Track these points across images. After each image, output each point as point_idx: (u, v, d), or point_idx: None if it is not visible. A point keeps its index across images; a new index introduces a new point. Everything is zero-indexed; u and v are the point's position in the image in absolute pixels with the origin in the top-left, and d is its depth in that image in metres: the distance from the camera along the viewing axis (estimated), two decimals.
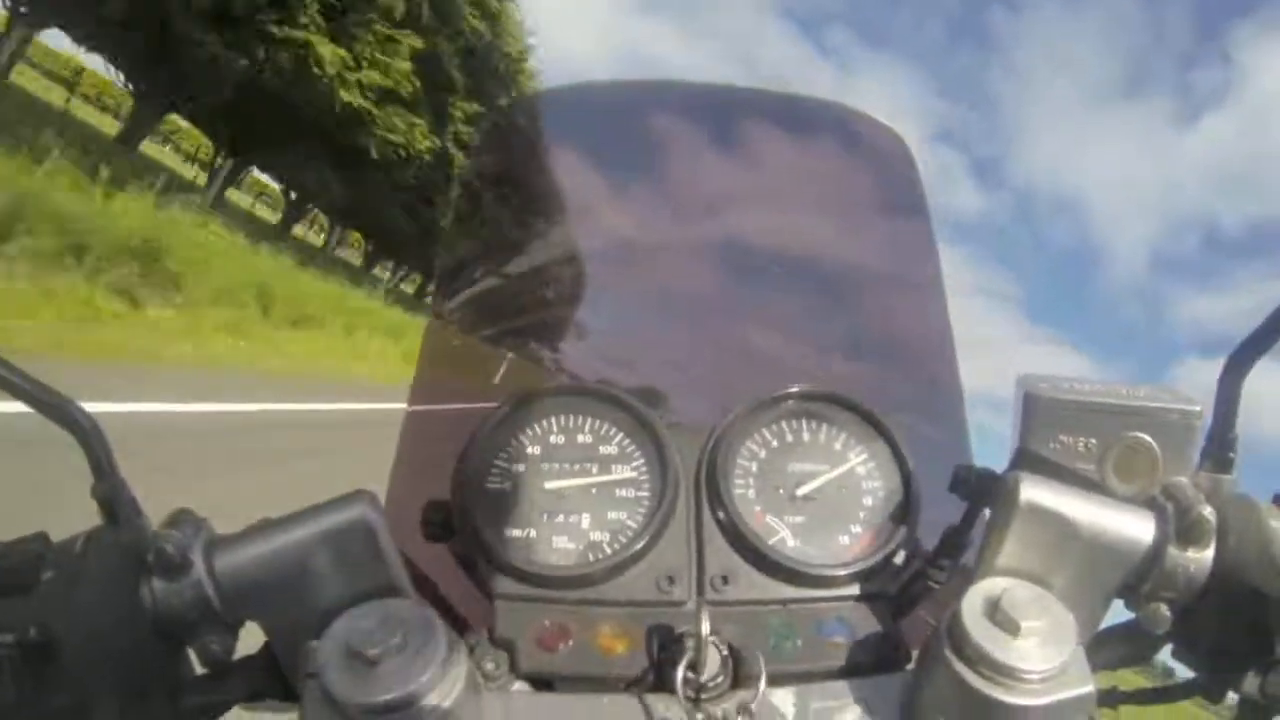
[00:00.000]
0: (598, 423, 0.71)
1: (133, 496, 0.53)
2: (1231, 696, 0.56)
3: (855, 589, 0.64)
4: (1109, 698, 0.60)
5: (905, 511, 0.67)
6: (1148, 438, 0.59)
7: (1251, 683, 0.54)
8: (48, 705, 0.46)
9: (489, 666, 0.59)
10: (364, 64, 15.57)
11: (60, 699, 0.46)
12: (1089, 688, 0.49)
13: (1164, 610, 0.53)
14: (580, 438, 0.70)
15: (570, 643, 0.61)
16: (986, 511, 0.62)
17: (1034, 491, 0.53)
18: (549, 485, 0.68)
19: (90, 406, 0.50)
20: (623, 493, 0.68)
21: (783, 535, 0.67)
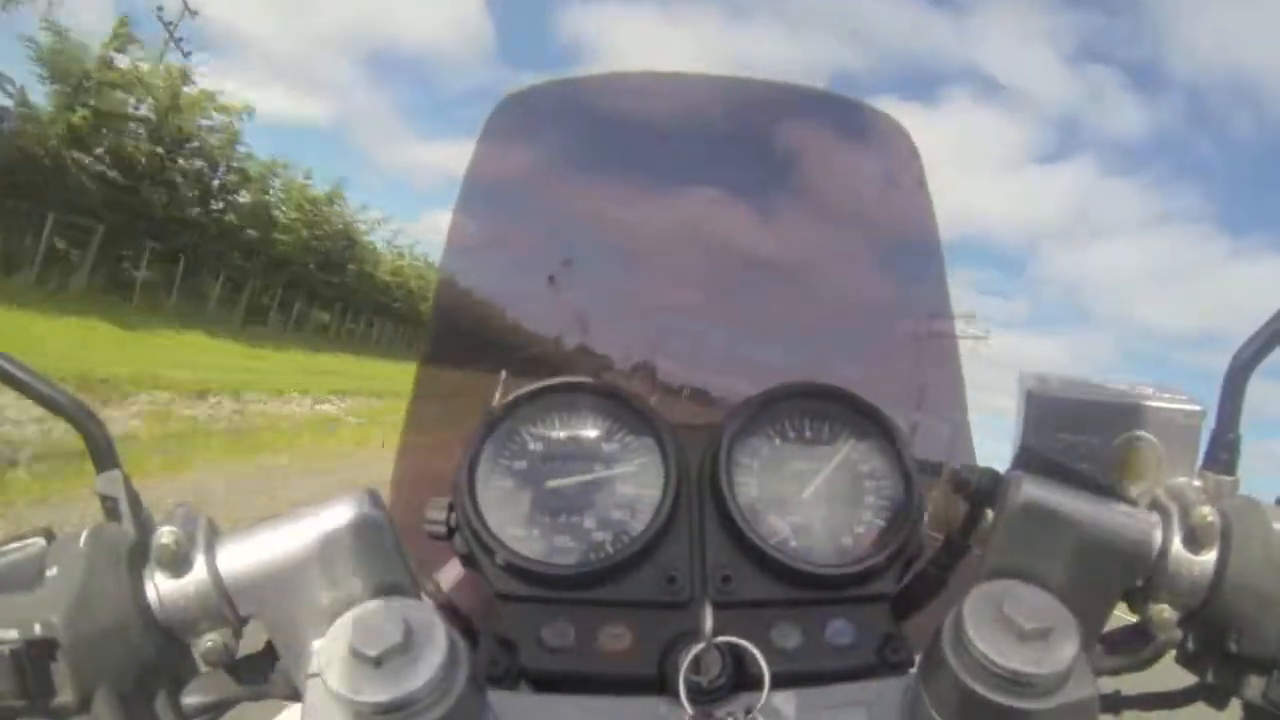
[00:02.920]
0: (601, 420, 0.70)
1: (135, 492, 0.53)
2: (1235, 702, 0.55)
3: (858, 590, 0.64)
4: (1112, 702, 0.60)
5: (908, 512, 0.67)
6: (1151, 437, 0.59)
7: (1255, 688, 0.53)
8: (51, 701, 0.46)
9: (492, 666, 0.59)
10: None
11: (63, 695, 0.46)
12: (1092, 691, 0.49)
13: (1167, 613, 0.53)
14: (584, 436, 0.70)
15: (573, 643, 0.60)
16: (989, 512, 0.62)
17: (1036, 492, 0.53)
18: (552, 484, 0.68)
19: None
20: (626, 492, 0.68)
21: (785, 535, 0.67)
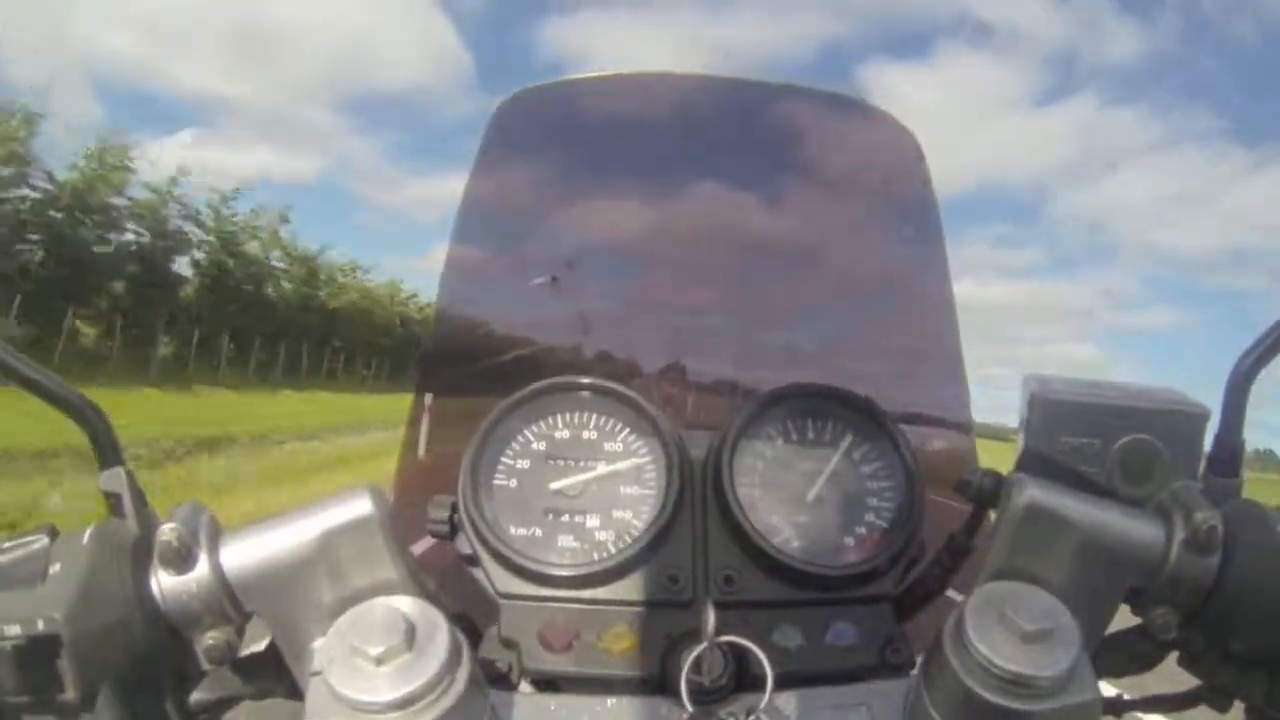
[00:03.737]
0: (604, 420, 0.70)
1: (139, 489, 0.53)
2: (1237, 705, 0.55)
3: (860, 591, 0.64)
4: (1114, 704, 0.60)
5: (910, 513, 0.67)
6: (1154, 440, 0.59)
7: (1257, 690, 0.53)
8: (53, 697, 0.46)
9: (493, 666, 0.59)
10: None
11: (67, 691, 0.46)
12: (1094, 694, 0.49)
13: (1169, 616, 0.53)
14: (586, 435, 0.70)
15: (575, 643, 0.60)
16: (992, 514, 0.62)
17: (1039, 495, 0.53)
18: (555, 483, 0.68)
19: None
20: (629, 491, 0.68)
21: (788, 535, 0.67)
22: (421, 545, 0.68)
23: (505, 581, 0.63)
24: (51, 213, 17.82)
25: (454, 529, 0.65)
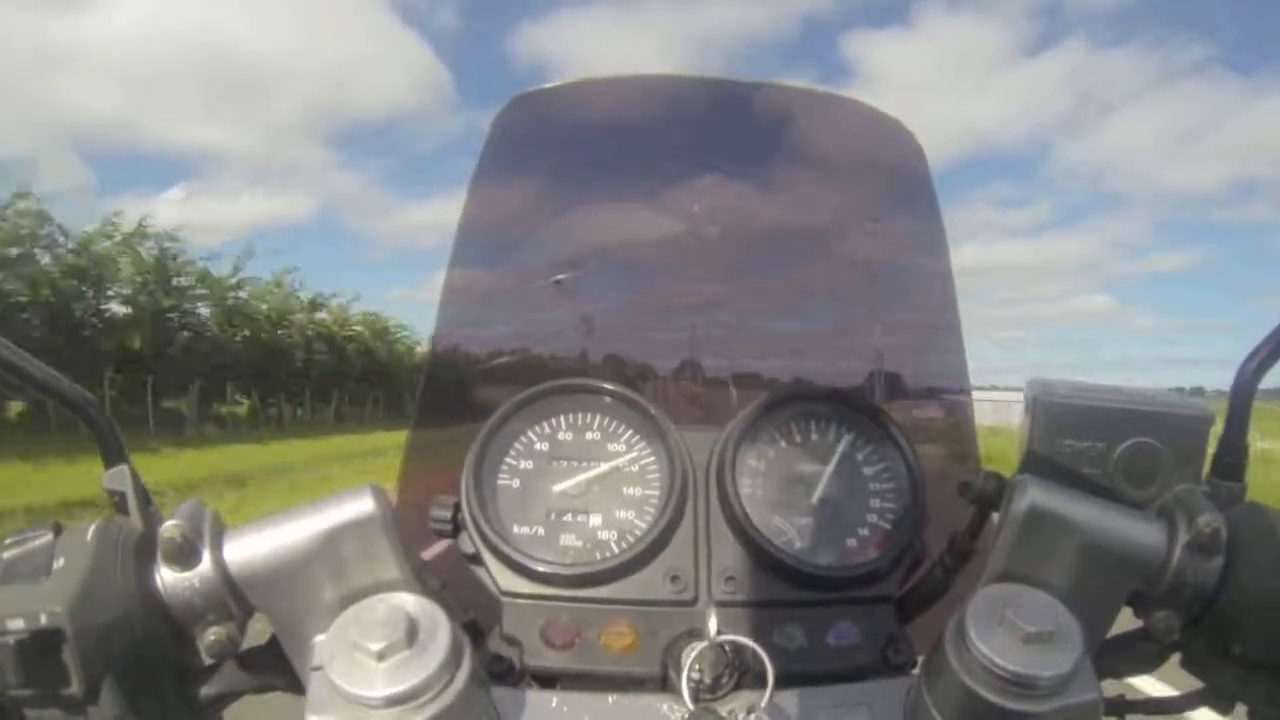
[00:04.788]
0: (607, 420, 0.71)
1: (144, 487, 0.54)
2: (1240, 707, 0.55)
3: (862, 591, 0.64)
4: (1115, 706, 0.59)
5: (913, 515, 0.67)
6: (1157, 442, 0.59)
7: (1260, 693, 0.53)
8: (57, 692, 0.46)
9: (495, 663, 0.59)
10: None
11: (69, 686, 0.46)
12: (1095, 696, 0.49)
13: (1173, 619, 0.53)
14: (589, 435, 0.70)
15: (577, 641, 0.61)
16: (994, 516, 0.62)
17: (1042, 497, 0.53)
18: (557, 483, 0.68)
19: None
20: (631, 491, 0.68)
21: (791, 536, 0.67)
22: (432, 550, 0.69)
23: (507, 580, 0.63)
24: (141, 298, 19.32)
25: (457, 527, 0.65)
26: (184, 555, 0.49)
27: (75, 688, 0.46)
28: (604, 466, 0.69)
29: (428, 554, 0.66)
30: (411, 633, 0.46)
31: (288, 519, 0.52)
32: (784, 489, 0.69)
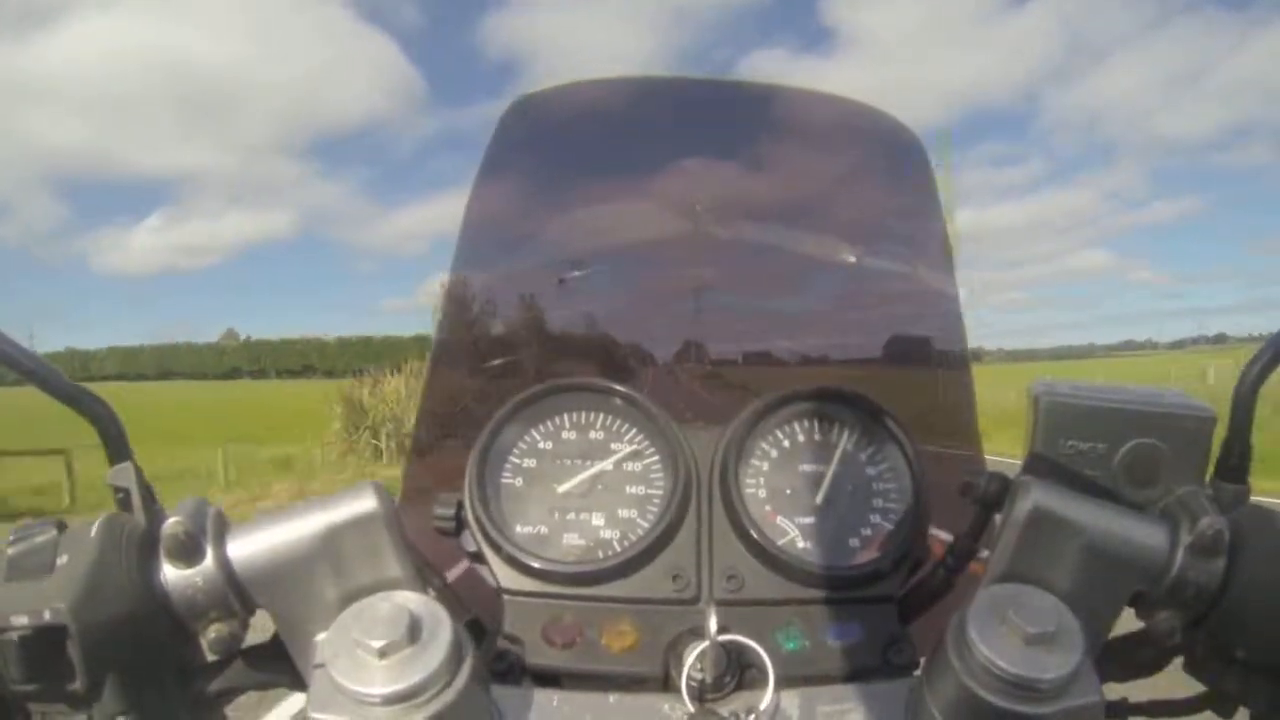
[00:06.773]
0: (610, 419, 0.71)
1: (147, 484, 0.54)
2: (1242, 710, 0.55)
3: (864, 591, 0.64)
4: (1117, 708, 0.59)
5: (916, 515, 0.67)
6: (1160, 443, 0.58)
7: (1263, 697, 0.53)
8: (60, 687, 0.46)
9: (497, 661, 0.59)
10: None
11: (73, 682, 0.46)
12: (1097, 698, 0.49)
13: (1175, 621, 0.53)
14: (592, 434, 0.70)
15: (578, 640, 0.61)
16: (997, 517, 0.62)
17: (1044, 498, 0.53)
18: (560, 482, 0.68)
19: None
20: (634, 490, 0.68)
21: (793, 536, 0.67)
22: (454, 572, 0.69)
23: (510, 578, 0.63)
24: None
25: (459, 526, 0.66)
26: (187, 552, 0.50)
27: (79, 683, 0.46)
28: (607, 465, 0.69)
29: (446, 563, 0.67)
30: (413, 631, 0.46)
31: (290, 516, 0.52)
32: (786, 488, 0.69)
